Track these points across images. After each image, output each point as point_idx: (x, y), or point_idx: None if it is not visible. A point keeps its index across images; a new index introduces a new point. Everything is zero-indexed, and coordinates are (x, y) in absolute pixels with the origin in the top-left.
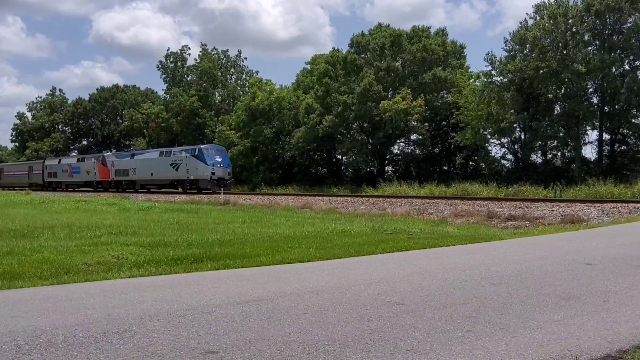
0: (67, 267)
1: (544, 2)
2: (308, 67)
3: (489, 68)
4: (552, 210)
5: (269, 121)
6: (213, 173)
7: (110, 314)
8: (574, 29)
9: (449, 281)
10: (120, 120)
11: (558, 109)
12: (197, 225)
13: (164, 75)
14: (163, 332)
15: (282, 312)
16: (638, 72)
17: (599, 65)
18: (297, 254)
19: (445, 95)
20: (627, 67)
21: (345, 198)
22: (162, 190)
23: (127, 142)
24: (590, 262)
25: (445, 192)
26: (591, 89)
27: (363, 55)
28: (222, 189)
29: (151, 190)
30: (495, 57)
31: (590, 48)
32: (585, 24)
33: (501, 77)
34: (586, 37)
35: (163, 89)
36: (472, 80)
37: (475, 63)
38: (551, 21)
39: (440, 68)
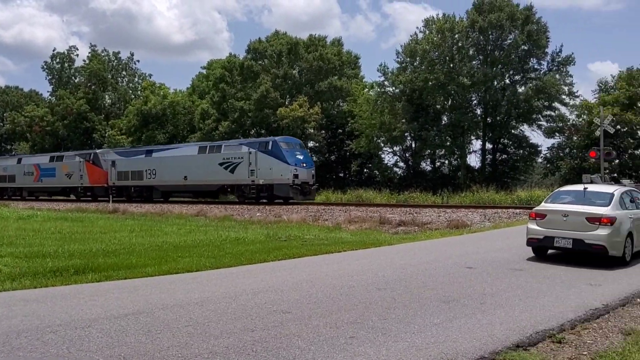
0: None
1: (433, 17)
2: (204, 71)
3: (382, 79)
4: (439, 216)
5: (163, 126)
6: (296, 176)
7: None
8: (459, 44)
9: (336, 287)
10: (1, 124)
11: (445, 119)
12: (82, 234)
13: (50, 77)
14: (30, 350)
15: (162, 326)
16: (517, 85)
17: (482, 78)
18: (186, 263)
19: (341, 104)
20: (507, 81)
21: (242, 205)
22: (201, 199)
23: (9, 147)
24: (471, 265)
25: (340, 199)
26: (475, 101)
27: (260, 62)
28: (305, 197)
29: (180, 199)
30: (387, 68)
31: (474, 62)
32: (470, 39)
33: (393, 88)
34: (471, 52)
35: (48, 91)
36: (367, 90)
37: (370, 73)
38: (439, 35)
39: (336, 77)
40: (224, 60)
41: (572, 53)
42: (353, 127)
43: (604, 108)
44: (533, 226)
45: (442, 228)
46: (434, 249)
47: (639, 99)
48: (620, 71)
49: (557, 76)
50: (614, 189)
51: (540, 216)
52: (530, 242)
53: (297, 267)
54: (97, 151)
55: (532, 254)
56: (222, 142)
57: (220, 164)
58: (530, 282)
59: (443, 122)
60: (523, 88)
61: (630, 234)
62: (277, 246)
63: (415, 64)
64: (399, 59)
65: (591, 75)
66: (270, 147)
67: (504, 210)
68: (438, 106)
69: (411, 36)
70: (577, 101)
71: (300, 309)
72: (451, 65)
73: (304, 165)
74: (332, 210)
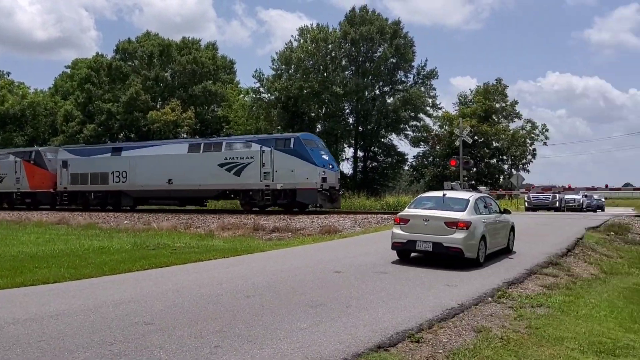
0: None
1: (307, 27)
2: (68, 71)
3: (258, 85)
4: (312, 222)
5: (21, 128)
6: (324, 179)
7: None
8: (333, 54)
9: (204, 296)
10: None
11: (320, 127)
12: None
13: None
14: None
15: (12, 342)
16: (386, 96)
17: (355, 88)
18: (43, 274)
19: (215, 109)
20: (377, 91)
21: (108, 212)
22: (188, 208)
23: None
24: (340, 270)
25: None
26: (348, 110)
27: (130, 63)
28: (333, 204)
29: (159, 207)
30: (263, 74)
31: (347, 72)
32: (343, 50)
33: (269, 95)
34: (344, 62)
35: None
36: (242, 95)
37: (245, 79)
38: (313, 45)
39: (210, 81)
40: (91, 59)
41: (436, 67)
42: (228, 132)
43: (463, 120)
44: (397, 231)
45: (315, 234)
46: (306, 255)
47: (493, 112)
48: (477, 86)
49: (422, 89)
50: (470, 196)
51: (404, 221)
52: (394, 246)
53: (164, 276)
54: (40, 149)
55: (396, 257)
56: (222, 138)
57: (221, 165)
58: (393, 284)
59: (317, 129)
60: (392, 99)
61: (483, 237)
62: (144, 255)
63: (290, 71)
64: (274, 66)
65: (453, 89)
66: (292, 145)
67: (373, 215)
68: (313, 114)
69: (286, 44)
70: (440, 113)
71: (164, 319)
72: (325, 74)
73: (331, 167)
74: (205, 217)
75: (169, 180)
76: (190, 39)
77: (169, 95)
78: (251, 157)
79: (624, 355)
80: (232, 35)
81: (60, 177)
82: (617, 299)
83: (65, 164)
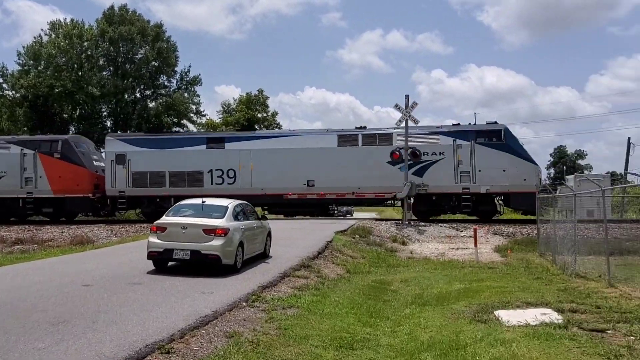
0: None
1: (60, 21)
2: None
3: (0, 81)
4: (62, 232)
5: None
6: (540, 180)
7: None
8: (89, 52)
9: None
10: None
11: (73, 129)
12: None
13: None
14: None
15: None
16: (148, 100)
17: (113, 90)
18: None
19: None
20: (138, 95)
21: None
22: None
23: None
24: (89, 283)
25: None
26: (105, 113)
27: None
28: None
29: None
30: (7, 69)
31: (105, 73)
32: (100, 49)
33: (13, 92)
34: (101, 62)
35: None
36: None
37: None
38: (67, 41)
39: None
40: None
41: (200, 74)
42: None
43: (227, 128)
44: (154, 239)
45: (64, 245)
46: (51, 268)
47: (256, 121)
48: (241, 95)
49: (186, 95)
50: (229, 202)
51: (161, 229)
52: (150, 255)
53: None
54: (69, 137)
55: (153, 267)
56: (391, 128)
57: (393, 163)
58: (147, 295)
59: (71, 132)
60: (154, 103)
61: (241, 244)
62: None
63: (39, 67)
64: (20, 61)
65: (217, 97)
66: (503, 138)
67: (131, 224)
68: (65, 115)
69: (35, 38)
70: (204, 120)
71: None
72: (80, 73)
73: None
74: None
75: (309, 182)
76: None
77: None
78: (440, 153)
79: (361, 348)
80: None
81: (113, 177)
82: (357, 295)
83: (121, 159)
